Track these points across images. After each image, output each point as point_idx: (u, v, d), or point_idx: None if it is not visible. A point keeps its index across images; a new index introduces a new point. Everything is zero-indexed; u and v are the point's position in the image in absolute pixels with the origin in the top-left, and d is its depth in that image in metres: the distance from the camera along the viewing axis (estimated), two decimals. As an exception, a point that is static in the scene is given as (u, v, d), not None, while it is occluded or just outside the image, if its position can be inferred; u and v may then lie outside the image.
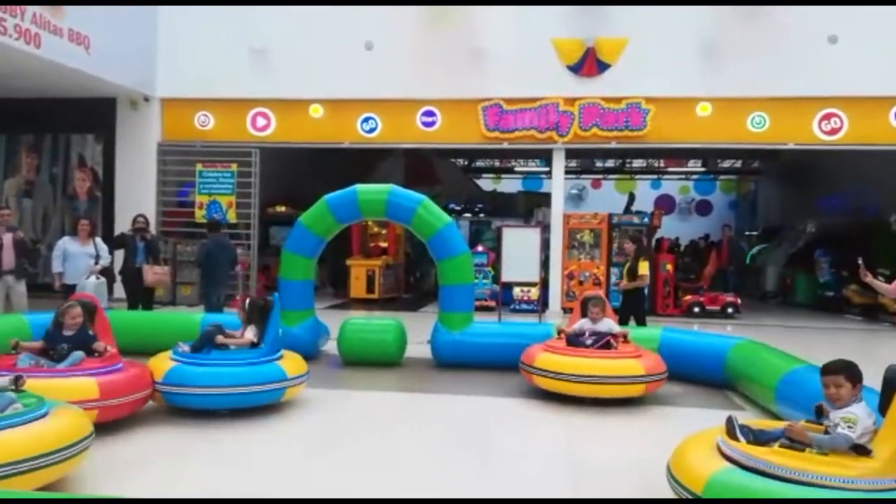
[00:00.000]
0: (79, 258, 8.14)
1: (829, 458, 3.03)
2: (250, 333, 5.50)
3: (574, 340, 5.98)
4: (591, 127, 12.12)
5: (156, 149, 12.89)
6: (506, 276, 10.30)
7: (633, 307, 8.34)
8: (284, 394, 5.32)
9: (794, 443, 3.18)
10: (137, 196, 12.52)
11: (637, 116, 12.05)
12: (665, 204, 25.40)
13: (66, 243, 8.24)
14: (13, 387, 3.79)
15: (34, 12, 9.52)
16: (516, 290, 12.24)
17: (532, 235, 10.18)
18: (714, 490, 3.01)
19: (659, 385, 5.89)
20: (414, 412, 5.67)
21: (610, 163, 23.52)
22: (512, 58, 12.11)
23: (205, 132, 12.93)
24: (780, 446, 3.17)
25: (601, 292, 6.66)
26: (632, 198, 17.21)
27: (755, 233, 20.59)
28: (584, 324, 6.19)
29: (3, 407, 3.54)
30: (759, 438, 3.30)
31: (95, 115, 12.79)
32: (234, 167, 12.77)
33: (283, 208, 15.18)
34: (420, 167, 16.31)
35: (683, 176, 25.70)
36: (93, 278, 8.06)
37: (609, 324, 6.15)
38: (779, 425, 3.46)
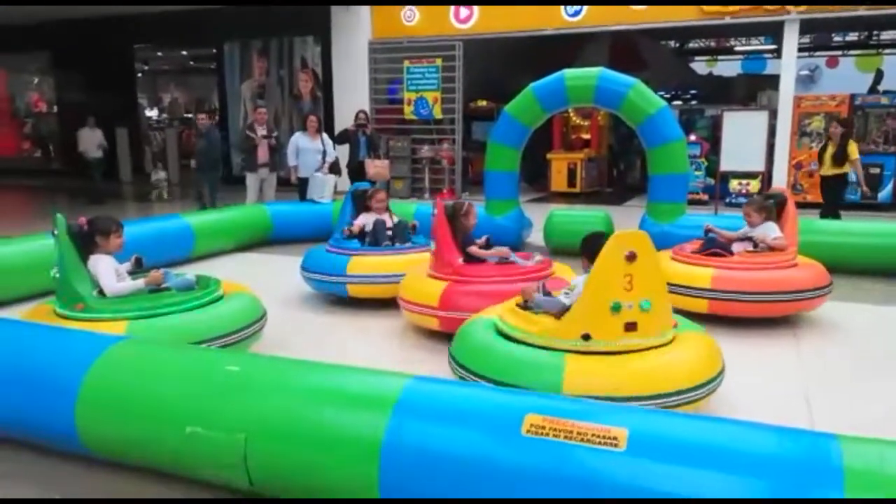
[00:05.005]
0: (309, 153, 8.89)
1: (536, 318, 3.33)
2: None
3: (710, 244, 5.04)
4: (832, -11, 10.42)
5: (367, 47, 13.43)
6: (725, 166, 9.51)
7: (835, 196, 7.65)
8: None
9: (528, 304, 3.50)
10: (352, 94, 13.28)
11: (896, -26, 10.11)
12: (921, 82, 21.48)
13: (297, 139, 9.00)
14: (138, 267, 4.06)
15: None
16: (733, 183, 11.34)
17: (758, 120, 9.23)
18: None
19: (817, 302, 4.81)
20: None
21: (852, 36, 20.23)
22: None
23: (411, 28, 13.17)
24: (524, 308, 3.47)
25: (783, 189, 5.51)
26: (880, 74, 14.78)
27: None
28: (745, 230, 5.14)
29: (185, 287, 3.91)
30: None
31: (313, 17, 13.56)
32: (438, 62, 12.95)
33: (483, 103, 15.22)
34: (626, 51, 15.26)
35: (948, 47, 21.42)
36: (321, 173, 8.83)
37: (768, 229, 4.95)
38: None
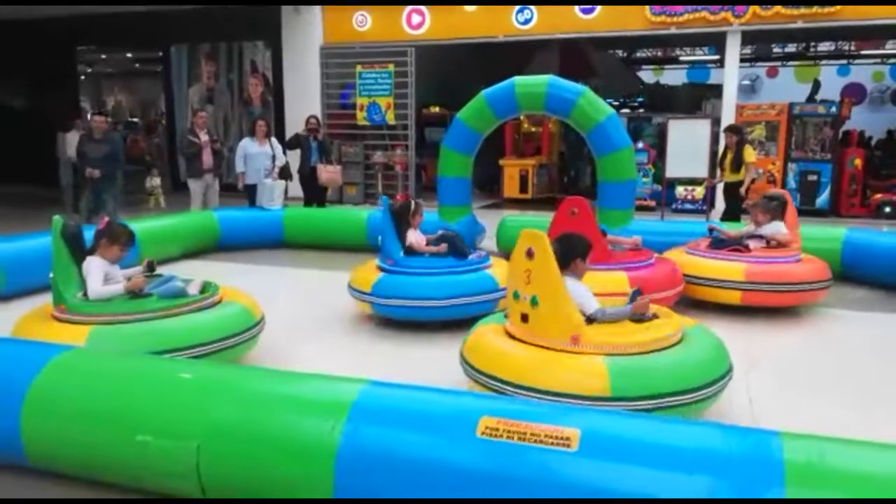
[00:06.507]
0: (258, 158, 8.73)
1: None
2: None
3: (718, 243, 5.57)
4: (772, 5, 10.83)
5: (318, 52, 13.33)
6: (670, 173, 9.78)
7: (736, 200, 8.04)
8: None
9: None
10: (304, 100, 13.15)
11: (830, -11, 10.55)
12: (854, 93, 22.47)
13: (246, 144, 8.82)
14: (148, 272, 4.09)
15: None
16: (679, 189, 11.65)
17: (701, 128, 9.52)
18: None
19: (820, 294, 5.40)
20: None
21: (791, 47, 21.04)
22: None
23: (363, 33, 13.13)
24: None
25: (783, 192, 6.00)
26: (817, 85, 15.41)
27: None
28: (749, 229, 5.69)
29: (171, 294, 3.85)
30: None
31: (263, 21, 13.39)
32: (390, 67, 12.94)
33: (436, 109, 15.28)
34: (575, 60, 15.52)
35: (879, 60, 22.46)
36: (270, 179, 8.69)
37: (777, 227, 5.52)
38: None
